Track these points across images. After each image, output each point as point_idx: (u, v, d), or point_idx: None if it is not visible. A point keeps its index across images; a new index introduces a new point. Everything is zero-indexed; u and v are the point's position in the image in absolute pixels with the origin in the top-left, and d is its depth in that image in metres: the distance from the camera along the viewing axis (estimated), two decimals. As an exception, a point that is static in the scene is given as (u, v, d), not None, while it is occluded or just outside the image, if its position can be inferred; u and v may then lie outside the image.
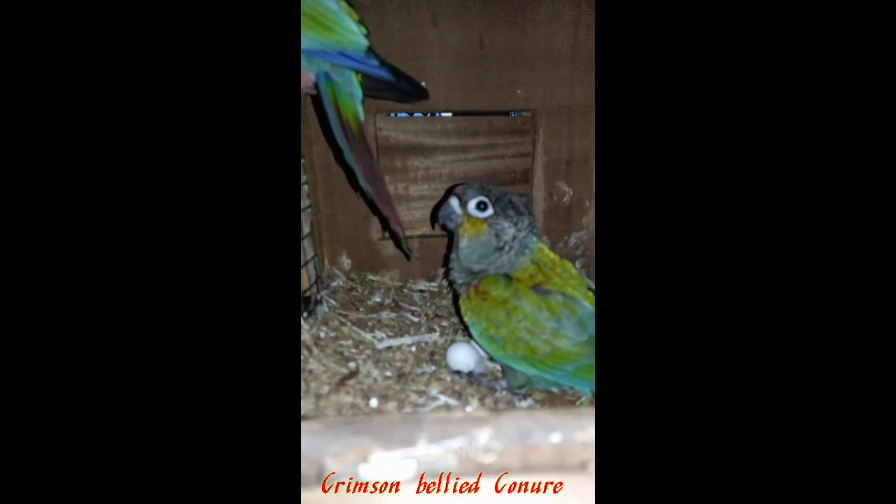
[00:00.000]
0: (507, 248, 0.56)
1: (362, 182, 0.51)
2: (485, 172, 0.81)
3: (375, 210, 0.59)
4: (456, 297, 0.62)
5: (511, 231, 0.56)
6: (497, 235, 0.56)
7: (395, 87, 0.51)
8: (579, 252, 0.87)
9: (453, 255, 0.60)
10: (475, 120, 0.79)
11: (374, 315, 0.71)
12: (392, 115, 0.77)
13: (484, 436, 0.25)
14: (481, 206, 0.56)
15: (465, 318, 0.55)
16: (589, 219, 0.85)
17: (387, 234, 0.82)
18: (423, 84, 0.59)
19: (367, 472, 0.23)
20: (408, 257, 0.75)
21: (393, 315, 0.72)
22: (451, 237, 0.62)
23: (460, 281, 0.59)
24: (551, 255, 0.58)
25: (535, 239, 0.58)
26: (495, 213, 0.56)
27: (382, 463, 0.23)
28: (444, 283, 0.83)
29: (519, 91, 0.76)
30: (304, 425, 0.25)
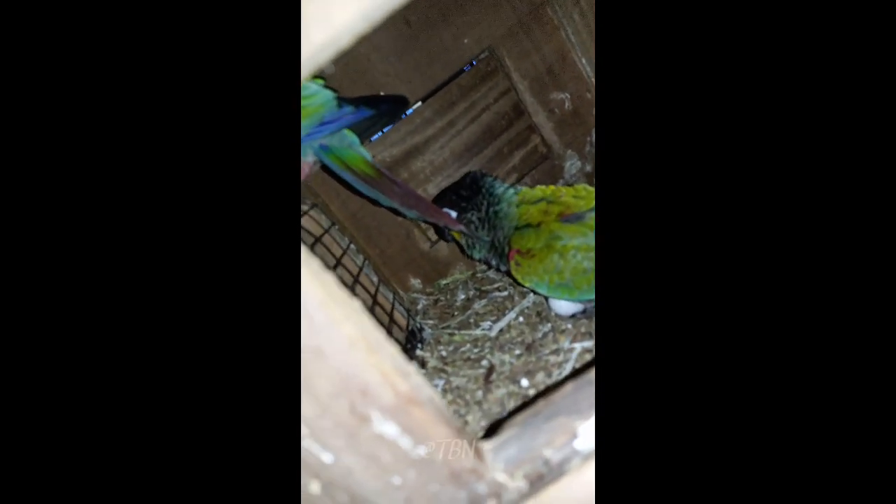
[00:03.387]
0: (485, 225, 0.60)
1: (408, 213, 0.53)
2: (481, 132, 0.80)
3: (432, 224, 0.62)
4: (509, 274, 0.63)
5: (474, 215, 0.60)
6: (468, 225, 0.60)
7: (380, 117, 0.52)
8: (608, 144, 0.84)
9: (469, 253, 0.66)
10: (445, 92, 0.77)
11: (469, 311, 0.73)
12: (372, 139, 0.78)
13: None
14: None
15: (527, 284, 0.57)
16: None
17: (438, 240, 0.83)
18: (389, 94, 0.60)
19: (582, 445, 0.25)
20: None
21: (484, 302, 0.74)
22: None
23: (493, 261, 0.63)
24: (548, 189, 0.59)
25: (506, 190, 0.60)
26: (458, 213, 0.60)
27: (591, 430, 0.25)
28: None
29: (466, 40, 0.74)
30: (503, 435, 0.28)
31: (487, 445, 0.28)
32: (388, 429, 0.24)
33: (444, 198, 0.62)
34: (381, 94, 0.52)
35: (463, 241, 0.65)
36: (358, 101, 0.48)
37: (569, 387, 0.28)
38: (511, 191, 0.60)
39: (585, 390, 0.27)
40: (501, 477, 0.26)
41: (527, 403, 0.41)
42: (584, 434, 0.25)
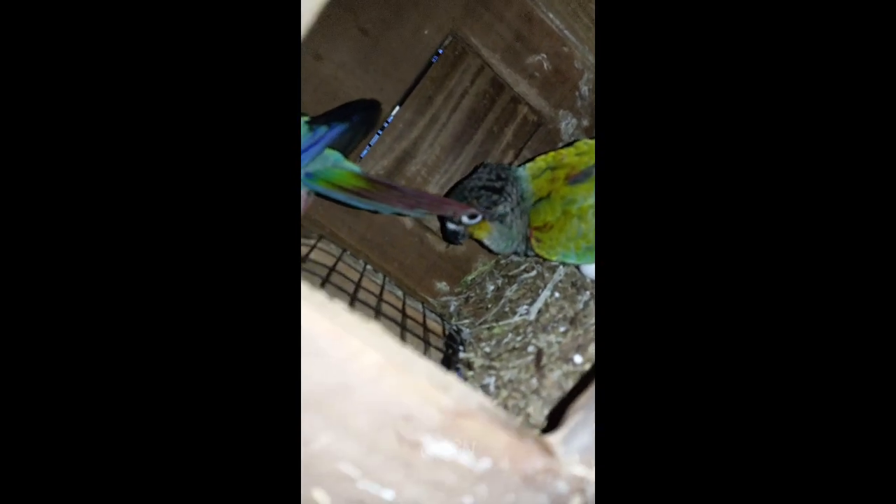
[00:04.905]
0: (515, 212, 0.57)
1: (412, 214, 0.51)
2: (466, 119, 0.77)
3: (442, 218, 0.61)
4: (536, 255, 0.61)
5: (505, 207, 0.57)
6: (501, 220, 0.57)
7: (356, 128, 0.50)
8: (599, 93, 0.80)
9: (497, 250, 0.62)
10: (420, 90, 0.75)
11: (502, 301, 0.71)
12: (361, 156, 0.77)
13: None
14: (472, 216, 0.57)
15: (554, 258, 0.55)
16: (581, 60, 0.77)
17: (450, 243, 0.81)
18: (356, 101, 0.59)
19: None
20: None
21: (514, 287, 0.71)
22: None
23: (521, 248, 0.60)
24: (549, 156, 0.56)
25: (520, 170, 0.58)
26: (486, 209, 0.57)
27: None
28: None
29: (426, 31, 0.71)
30: (569, 422, 0.25)
31: (555, 438, 0.25)
32: (444, 449, 0.22)
33: (471, 194, 0.57)
34: (348, 103, 0.50)
35: (485, 239, 0.61)
36: (328, 118, 0.47)
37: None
38: (522, 169, 0.58)
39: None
40: (579, 469, 0.23)
41: (586, 380, 0.38)
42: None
